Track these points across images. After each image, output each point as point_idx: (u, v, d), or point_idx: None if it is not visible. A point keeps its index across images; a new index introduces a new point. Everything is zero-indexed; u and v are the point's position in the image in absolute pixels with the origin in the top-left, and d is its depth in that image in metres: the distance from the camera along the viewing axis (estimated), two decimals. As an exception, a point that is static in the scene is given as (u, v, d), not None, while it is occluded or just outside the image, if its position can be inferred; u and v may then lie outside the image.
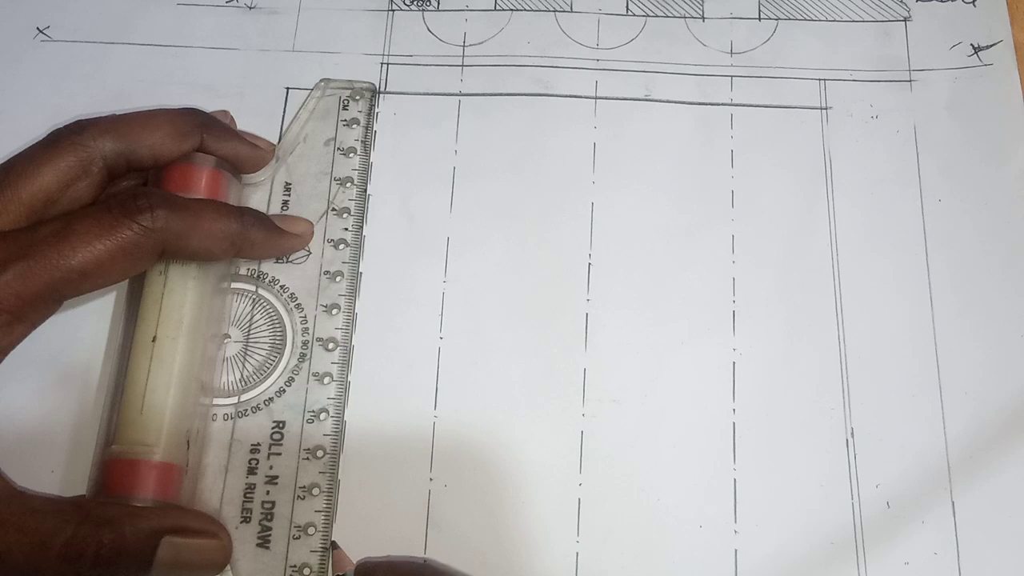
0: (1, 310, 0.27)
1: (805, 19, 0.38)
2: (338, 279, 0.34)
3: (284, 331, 0.33)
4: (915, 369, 0.33)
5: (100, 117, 0.31)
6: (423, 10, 0.39)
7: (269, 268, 0.34)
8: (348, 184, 0.35)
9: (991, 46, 0.37)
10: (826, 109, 0.37)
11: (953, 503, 0.31)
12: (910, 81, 0.37)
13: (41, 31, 0.38)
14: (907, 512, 0.31)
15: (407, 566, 0.30)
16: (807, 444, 0.32)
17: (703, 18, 0.39)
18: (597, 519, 0.31)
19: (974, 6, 0.38)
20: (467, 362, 0.33)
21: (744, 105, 0.37)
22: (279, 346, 0.33)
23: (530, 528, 0.31)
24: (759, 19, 0.38)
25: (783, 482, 0.31)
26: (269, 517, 0.30)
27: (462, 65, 0.38)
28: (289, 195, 0.35)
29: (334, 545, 0.30)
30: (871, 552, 0.30)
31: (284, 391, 0.32)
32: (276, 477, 0.31)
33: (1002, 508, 0.31)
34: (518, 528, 0.31)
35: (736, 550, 0.31)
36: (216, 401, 0.32)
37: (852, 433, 0.32)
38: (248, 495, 0.31)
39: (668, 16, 0.39)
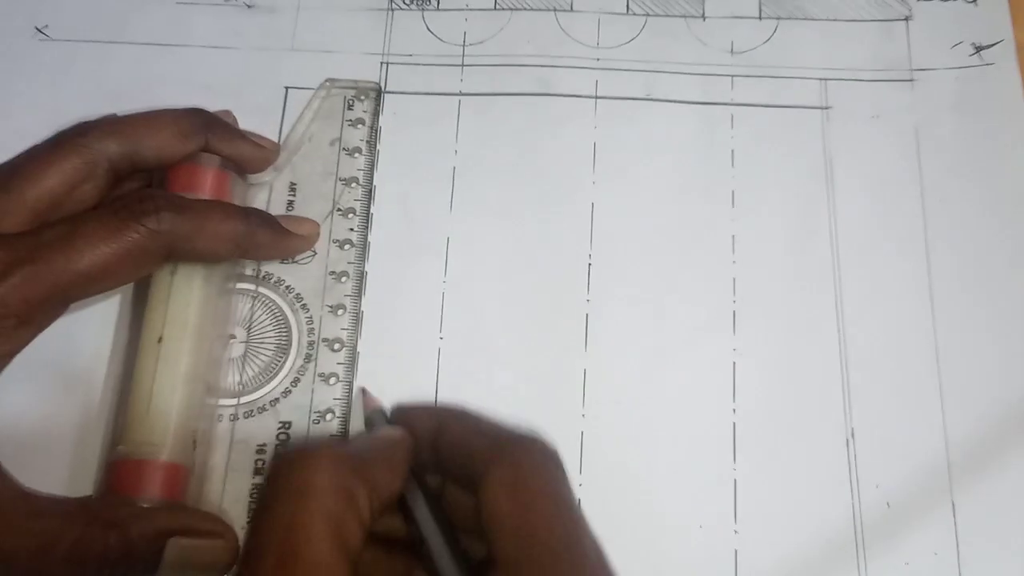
0: (7, 314, 0.27)
1: (806, 18, 0.38)
2: (343, 279, 0.34)
3: (290, 332, 0.33)
4: (915, 369, 0.33)
5: (104, 118, 0.31)
6: (423, 9, 0.39)
7: (275, 269, 0.34)
8: (353, 184, 0.35)
9: (992, 45, 0.37)
10: (827, 109, 0.37)
11: (953, 503, 0.31)
12: (911, 80, 0.37)
13: (40, 30, 0.38)
14: (907, 512, 0.31)
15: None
16: (807, 444, 0.32)
17: (704, 17, 0.39)
18: (597, 519, 0.31)
19: (975, 5, 0.38)
20: (467, 362, 0.33)
21: (745, 105, 0.37)
22: (285, 347, 0.33)
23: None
24: (760, 18, 0.38)
25: (783, 482, 0.32)
26: (274, 517, 0.30)
27: (462, 65, 0.37)
28: (294, 195, 0.35)
29: (363, 391, 0.32)
30: (871, 552, 0.30)
31: (290, 392, 0.32)
32: (281, 477, 0.31)
33: (1002, 508, 0.31)
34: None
35: (736, 550, 0.31)
36: (222, 402, 0.32)
37: (852, 433, 0.32)
38: (254, 495, 0.31)
39: (668, 15, 0.39)
